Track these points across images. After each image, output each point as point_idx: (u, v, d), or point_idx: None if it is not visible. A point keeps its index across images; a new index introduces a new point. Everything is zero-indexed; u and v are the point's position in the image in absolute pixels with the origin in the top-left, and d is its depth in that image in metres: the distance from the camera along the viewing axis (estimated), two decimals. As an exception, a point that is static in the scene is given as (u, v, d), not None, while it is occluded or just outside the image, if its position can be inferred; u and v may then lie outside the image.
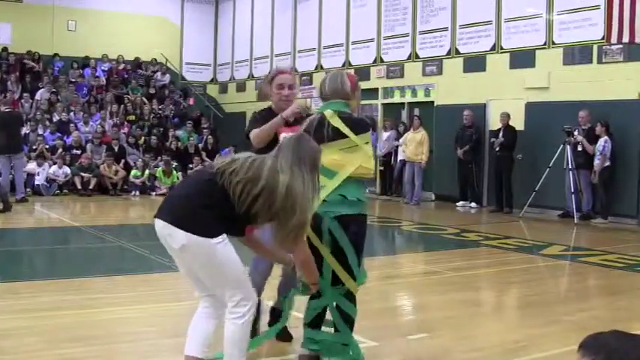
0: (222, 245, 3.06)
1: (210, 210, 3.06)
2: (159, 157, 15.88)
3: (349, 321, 3.75)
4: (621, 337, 1.88)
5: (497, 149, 12.55)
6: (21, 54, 18.78)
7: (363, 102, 14.72)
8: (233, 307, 3.15)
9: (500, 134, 12.53)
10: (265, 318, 4.26)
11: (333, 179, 3.65)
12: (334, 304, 3.75)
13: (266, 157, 3.15)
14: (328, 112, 3.73)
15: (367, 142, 3.77)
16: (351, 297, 3.76)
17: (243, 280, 3.19)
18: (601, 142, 10.99)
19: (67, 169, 14.41)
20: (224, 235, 3.07)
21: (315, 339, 3.77)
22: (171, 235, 3.08)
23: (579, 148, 11.32)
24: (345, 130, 3.68)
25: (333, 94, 3.81)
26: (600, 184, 11.08)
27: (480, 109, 13.44)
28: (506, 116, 12.51)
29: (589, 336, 1.91)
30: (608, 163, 10.97)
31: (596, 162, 11.05)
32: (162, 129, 17.59)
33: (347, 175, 3.66)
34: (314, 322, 3.80)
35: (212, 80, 22.28)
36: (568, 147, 11.26)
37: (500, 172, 12.58)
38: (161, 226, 3.13)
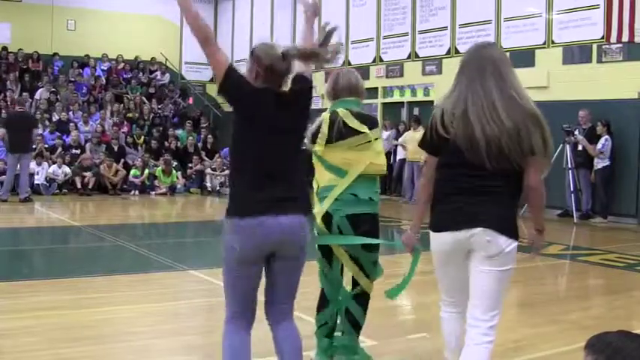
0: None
1: (514, 201, 2.95)
2: (159, 157, 15.87)
3: (357, 326, 3.75)
4: (626, 337, 1.88)
5: (497, 149, 12.52)
6: (16, 53, 18.77)
7: (362, 101, 14.68)
8: (490, 329, 2.90)
9: (500, 134, 12.50)
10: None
11: (344, 178, 3.59)
12: (343, 307, 3.73)
13: (487, 98, 2.93)
14: (342, 111, 3.65)
15: (377, 138, 3.71)
16: (362, 300, 3.74)
17: None
18: (601, 140, 10.98)
19: (67, 169, 14.39)
20: None
21: (326, 347, 3.75)
22: (491, 242, 2.84)
23: (579, 148, 11.31)
24: (363, 127, 3.60)
25: (347, 91, 3.73)
26: (600, 183, 11.07)
27: (480, 109, 13.41)
28: (505, 116, 12.47)
29: (594, 335, 1.92)
30: (607, 162, 10.96)
31: (596, 160, 11.06)
32: (161, 128, 17.57)
33: (358, 174, 3.58)
34: (328, 332, 3.77)
35: (212, 80, 22.24)
36: (568, 146, 11.25)
37: (500, 172, 12.54)
38: (478, 232, 2.85)
